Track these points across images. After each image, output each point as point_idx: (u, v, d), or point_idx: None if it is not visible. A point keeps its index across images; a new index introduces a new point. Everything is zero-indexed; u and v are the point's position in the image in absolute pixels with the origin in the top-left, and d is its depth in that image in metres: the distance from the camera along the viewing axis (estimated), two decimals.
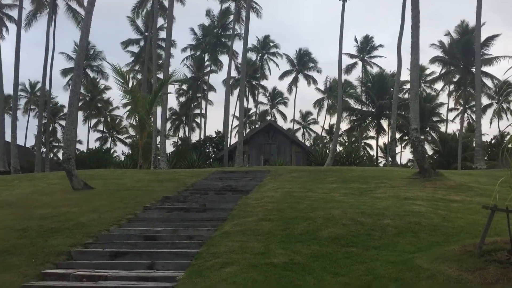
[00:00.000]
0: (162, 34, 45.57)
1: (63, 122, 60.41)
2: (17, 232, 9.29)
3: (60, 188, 14.72)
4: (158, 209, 11.43)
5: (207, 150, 44.51)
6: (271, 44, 62.19)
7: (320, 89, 65.29)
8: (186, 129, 61.61)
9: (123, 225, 10.04)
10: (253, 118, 66.60)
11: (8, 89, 38.77)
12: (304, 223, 8.84)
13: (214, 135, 46.54)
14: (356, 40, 59.69)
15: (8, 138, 34.58)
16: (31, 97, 59.00)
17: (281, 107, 69.27)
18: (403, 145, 56.46)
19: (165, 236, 8.95)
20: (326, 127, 66.37)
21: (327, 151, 38.46)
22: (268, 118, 62.84)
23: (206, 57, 56.43)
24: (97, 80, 58.18)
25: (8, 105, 41.44)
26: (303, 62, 63.72)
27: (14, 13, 42.15)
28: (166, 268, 7.33)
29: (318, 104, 66.54)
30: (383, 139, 55.45)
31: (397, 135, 45.40)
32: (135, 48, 52.72)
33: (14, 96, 36.96)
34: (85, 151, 48.21)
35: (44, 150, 44.49)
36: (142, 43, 51.32)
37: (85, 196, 13.22)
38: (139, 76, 51.17)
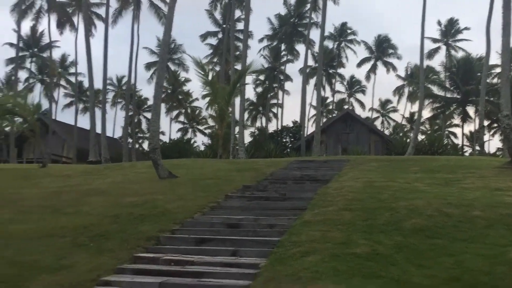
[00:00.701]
0: (239, 26, 46.24)
1: (147, 114, 63.36)
2: (110, 218, 9.92)
3: (147, 177, 15.48)
4: (239, 197, 11.70)
5: (284, 140, 44.68)
6: (349, 31, 60.88)
7: (401, 75, 63.13)
8: (263, 119, 62.17)
9: (206, 212, 10.39)
10: (330, 107, 65.81)
11: (98, 84, 41.22)
12: (387, 213, 8.66)
13: (291, 124, 46.58)
14: (439, 23, 56.91)
15: (98, 130, 36.86)
16: (118, 90, 62.27)
17: (359, 96, 67.86)
18: (491, 133, 53.24)
19: (247, 224, 9.17)
20: (407, 115, 64.12)
21: (408, 140, 37.19)
22: (346, 107, 61.83)
23: (283, 47, 56.41)
24: (178, 72, 60.25)
25: (97, 99, 44.05)
26: (382, 49, 61.82)
27: (101, 11, 44.77)
28: (249, 255, 7.51)
29: (398, 91, 64.37)
30: (469, 127, 52.58)
31: (485, 123, 42.75)
32: (213, 41, 53.98)
33: (103, 90, 39.31)
34: (168, 141, 50.24)
35: (131, 140, 46.96)
36: (220, 35, 52.37)
37: (170, 184, 13.82)
38: (217, 68, 52.35)
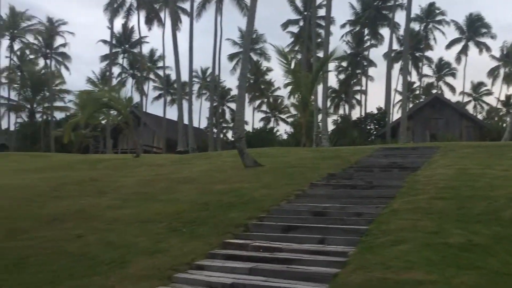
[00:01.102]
0: (321, 12, 45.58)
1: (230, 104, 64.73)
2: (200, 205, 10.33)
3: (233, 166, 15.88)
4: (324, 185, 11.66)
5: (368, 127, 43.67)
6: (437, 11, 57.70)
7: (495, 56, 58.95)
8: (346, 106, 61.08)
9: (292, 200, 10.48)
10: (417, 92, 63.05)
11: (184, 77, 42.81)
12: (483, 202, 8.21)
13: (375, 111, 45.37)
14: None
15: (185, 121, 38.34)
16: (203, 82, 64.18)
17: (449, 79, 64.27)
18: None
19: (333, 212, 9.13)
20: (502, 98, 59.85)
21: (504, 124, 34.75)
22: (434, 91, 58.92)
23: (366, 32, 54.90)
24: (260, 62, 60.81)
25: (184, 91, 45.77)
26: (474, 28, 58.00)
27: (186, 5, 46.23)
28: (336, 243, 7.48)
29: (493, 73, 60.23)
30: None
31: None
32: (294, 29, 53.70)
33: (189, 82, 40.81)
34: (251, 131, 51.08)
35: (215, 130, 48.33)
36: (301, 23, 52.01)
37: (255, 173, 14.09)
38: (299, 56, 52.11)
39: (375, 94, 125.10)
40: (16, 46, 53.99)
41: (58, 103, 53.87)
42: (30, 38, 54.03)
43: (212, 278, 6.35)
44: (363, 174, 12.84)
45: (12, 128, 53.26)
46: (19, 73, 53.48)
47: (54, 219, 9.48)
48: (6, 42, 51.82)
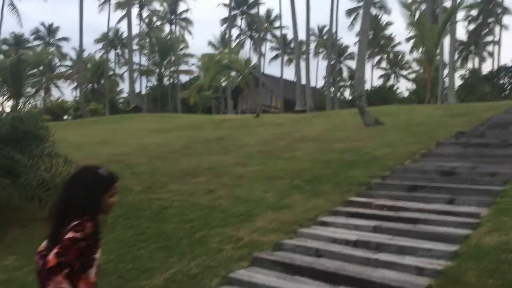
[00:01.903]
0: None
1: (348, 62, 63.14)
2: (322, 163, 10.43)
3: (353, 124, 15.67)
4: (453, 144, 11.04)
5: (502, 82, 39.88)
6: None
7: None
8: (476, 59, 56.21)
9: (417, 159, 10.12)
10: None
11: (301, 36, 42.50)
12: None
13: (510, 64, 41.19)
14: None
15: (303, 81, 38.33)
16: (319, 40, 63.16)
17: None
18: None
19: (463, 172, 8.66)
20: None
21: None
22: None
23: None
24: (379, 16, 58.04)
25: (301, 50, 45.54)
26: None
27: None
28: (467, 204, 7.14)
29: None
30: None
31: None
32: None
33: (306, 41, 40.44)
34: (369, 89, 49.54)
35: (333, 89, 47.65)
36: None
37: (376, 131, 13.77)
38: (423, 7, 48.67)
39: (511, 45, 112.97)
40: (144, 14, 57.77)
41: (183, 67, 57.02)
42: (156, 5, 57.38)
43: (335, 234, 6.46)
44: (497, 131, 11.90)
45: (143, 91, 57.75)
46: (148, 40, 57.29)
47: (187, 174, 10.24)
48: (135, 10, 55.64)
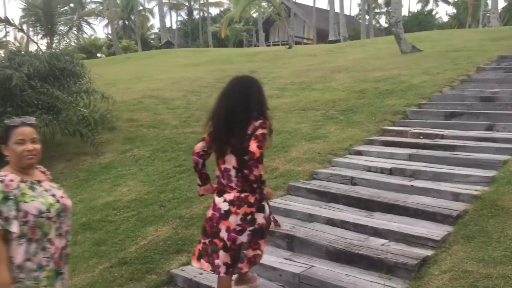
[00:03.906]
0: None
1: None
2: (356, 93, 10.28)
3: (389, 52, 15.21)
4: (494, 69, 10.64)
5: None
6: None
7: None
8: None
9: (456, 86, 9.84)
10: None
11: None
12: None
13: None
14: None
15: (336, 9, 37.01)
16: None
17: None
18: None
19: (504, 97, 8.39)
20: None
21: None
22: None
23: None
24: None
25: None
26: None
27: None
28: (508, 129, 6.99)
29: None
30: None
31: None
32: None
33: None
34: (406, 15, 47.44)
35: (367, 17, 45.90)
36: None
37: (413, 58, 13.35)
38: None
39: None
40: None
41: None
42: None
43: (370, 163, 6.48)
44: None
45: (174, 26, 57.23)
46: None
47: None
48: None
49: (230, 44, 43.98)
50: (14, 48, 11.31)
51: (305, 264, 4.25)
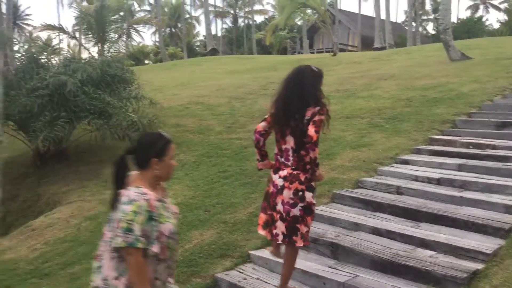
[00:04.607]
0: None
1: None
2: (403, 101, 10.11)
3: (437, 60, 14.88)
4: None
5: None
6: None
7: None
8: None
9: (507, 95, 9.54)
10: None
11: None
12: None
13: None
14: None
15: (382, 15, 36.54)
16: None
17: None
18: None
19: None
20: None
21: None
22: None
23: None
24: None
25: None
26: None
27: None
28: None
29: None
30: None
31: None
32: None
33: None
34: (455, 21, 46.21)
35: (414, 24, 45.02)
36: None
37: (463, 66, 13.00)
38: None
39: None
40: None
41: (257, 7, 56.27)
42: None
43: (418, 172, 6.36)
44: None
45: (219, 33, 58.03)
46: None
47: (264, 114, 10.38)
48: None
49: (274, 51, 44.13)
50: (69, 55, 11.76)
51: (349, 273, 4.21)
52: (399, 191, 5.87)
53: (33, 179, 8.89)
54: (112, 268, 2.47)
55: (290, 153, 3.68)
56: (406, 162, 6.93)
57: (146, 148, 2.57)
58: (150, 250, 2.45)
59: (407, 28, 42.39)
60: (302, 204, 3.62)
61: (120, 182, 2.54)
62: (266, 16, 53.95)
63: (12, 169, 9.08)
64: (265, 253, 4.65)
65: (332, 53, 23.23)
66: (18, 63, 9.84)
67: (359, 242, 4.64)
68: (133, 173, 2.59)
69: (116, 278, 2.46)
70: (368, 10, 78.44)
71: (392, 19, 46.46)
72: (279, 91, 3.79)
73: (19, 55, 10.23)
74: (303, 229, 3.67)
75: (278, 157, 3.77)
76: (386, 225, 4.96)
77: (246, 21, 56.54)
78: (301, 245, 3.72)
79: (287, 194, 3.63)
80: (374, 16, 37.27)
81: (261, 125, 3.85)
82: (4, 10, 12.95)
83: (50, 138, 8.00)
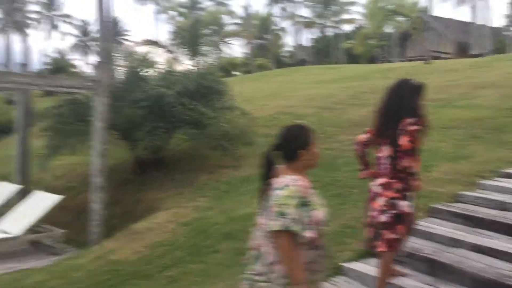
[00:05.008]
0: None
1: None
2: (505, 111, 9.51)
3: None
4: None
5: None
6: None
7: None
8: None
9: None
10: None
11: None
12: None
13: None
14: None
15: (480, 20, 34.57)
16: None
17: None
18: None
19: None
20: None
21: None
22: None
23: None
24: None
25: None
26: None
27: None
28: None
29: None
30: None
31: None
32: None
33: None
34: None
35: None
36: None
37: None
38: None
39: None
40: None
41: (345, 16, 55.70)
42: None
43: None
44: None
45: (306, 44, 58.14)
46: None
47: (355, 124, 10.23)
48: None
49: (363, 60, 43.36)
50: (167, 68, 12.45)
51: None
52: (503, 206, 5.51)
53: (133, 185, 9.49)
54: (273, 254, 2.49)
55: (386, 161, 3.81)
56: (510, 176, 6.50)
57: (292, 141, 2.65)
58: (303, 236, 2.45)
59: (507, 33, 39.73)
60: (393, 211, 3.74)
61: (268, 176, 2.64)
62: (355, 25, 53.20)
63: (115, 175, 9.75)
64: (358, 265, 4.59)
65: (425, 61, 22.36)
66: (121, 76, 10.58)
67: (459, 259, 4.42)
68: (280, 166, 2.66)
69: (278, 263, 2.48)
70: (462, 15, 74.68)
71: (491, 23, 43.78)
72: (379, 103, 3.96)
73: (122, 68, 11.00)
74: (389, 235, 3.76)
75: (377, 166, 3.93)
76: (488, 242, 4.68)
77: (333, 31, 56.17)
78: (383, 250, 3.79)
79: (380, 201, 3.79)
80: (470, 21, 35.38)
81: (363, 137, 4.03)
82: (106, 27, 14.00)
83: (150, 147, 8.50)
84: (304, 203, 2.47)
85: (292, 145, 2.63)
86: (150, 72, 10.94)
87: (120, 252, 6.27)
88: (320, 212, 2.56)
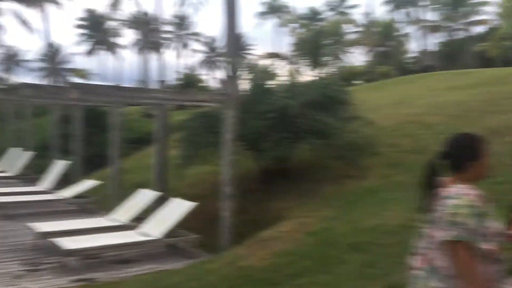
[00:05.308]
0: None
1: None
2: None
3: None
4: None
5: None
6: None
7: None
8: None
9: None
10: None
11: None
12: None
13: None
14: None
15: None
16: None
17: None
18: None
19: None
20: None
21: None
22: None
23: None
24: None
25: None
26: None
27: None
28: None
29: None
30: None
31: None
32: None
33: None
34: None
35: None
36: None
37: None
38: None
39: None
40: None
41: (475, 17, 51.94)
42: None
43: None
44: None
45: (432, 48, 55.26)
46: None
47: (492, 132, 9.48)
48: None
49: (497, 63, 39.94)
50: (291, 79, 12.70)
51: None
52: None
53: (259, 194, 9.79)
54: (450, 268, 2.36)
55: None
56: None
57: (462, 151, 2.57)
58: (480, 248, 2.32)
59: None
60: None
61: (431, 185, 2.57)
62: (487, 26, 49.31)
63: (242, 184, 10.15)
64: None
65: None
66: (247, 89, 11.01)
67: None
68: (445, 178, 2.58)
69: (457, 277, 2.35)
70: None
71: None
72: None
73: (248, 81, 11.44)
74: None
75: None
76: None
77: (463, 34, 52.66)
78: None
79: None
80: None
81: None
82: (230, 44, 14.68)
83: (275, 157, 8.72)
84: (479, 213, 2.34)
85: (462, 156, 2.54)
86: (274, 84, 11.24)
87: (249, 258, 6.50)
88: (495, 223, 2.40)
